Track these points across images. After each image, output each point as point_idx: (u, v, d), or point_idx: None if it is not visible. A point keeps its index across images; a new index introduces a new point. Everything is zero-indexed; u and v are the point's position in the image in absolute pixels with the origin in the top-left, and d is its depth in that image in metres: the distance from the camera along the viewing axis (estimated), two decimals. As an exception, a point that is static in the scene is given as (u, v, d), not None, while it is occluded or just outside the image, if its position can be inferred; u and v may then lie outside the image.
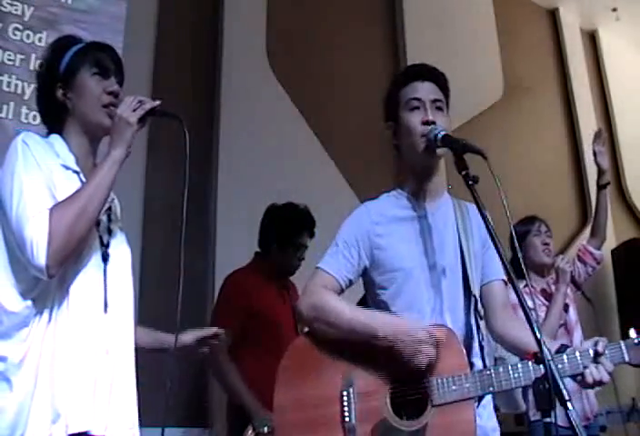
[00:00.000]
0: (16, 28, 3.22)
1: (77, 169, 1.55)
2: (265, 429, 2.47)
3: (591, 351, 1.57)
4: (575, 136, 5.91)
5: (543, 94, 5.86)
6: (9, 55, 3.18)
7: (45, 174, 1.45)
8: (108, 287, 1.51)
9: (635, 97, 6.27)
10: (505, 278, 1.85)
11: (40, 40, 3.27)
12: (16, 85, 3.16)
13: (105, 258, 1.53)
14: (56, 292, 1.44)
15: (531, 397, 2.77)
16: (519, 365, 1.59)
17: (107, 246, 1.55)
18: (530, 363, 1.57)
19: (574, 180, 5.79)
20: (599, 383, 1.56)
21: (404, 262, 1.72)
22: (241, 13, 4.13)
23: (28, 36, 3.24)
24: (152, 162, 3.34)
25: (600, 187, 3.02)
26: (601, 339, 1.58)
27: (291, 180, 3.87)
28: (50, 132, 1.61)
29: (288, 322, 2.65)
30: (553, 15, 6.30)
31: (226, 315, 2.72)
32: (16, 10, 3.24)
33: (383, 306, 1.72)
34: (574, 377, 1.57)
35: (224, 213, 3.66)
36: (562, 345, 1.63)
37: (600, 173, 3.01)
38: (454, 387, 1.56)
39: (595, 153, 3.01)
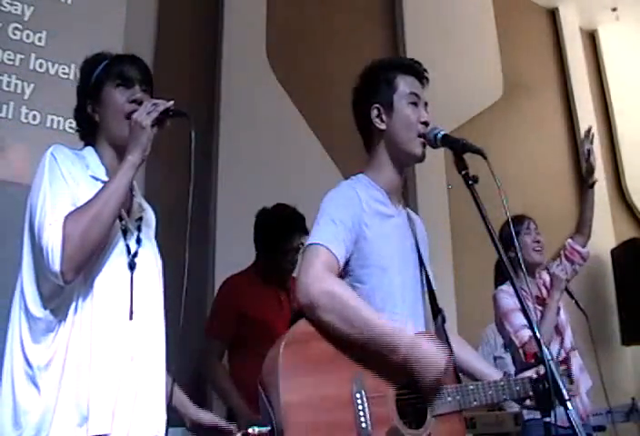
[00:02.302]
0: (16, 28, 3.22)
1: (107, 180, 1.58)
2: (257, 429, 2.44)
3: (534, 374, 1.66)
4: (575, 136, 5.90)
5: (543, 94, 5.86)
6: (9, 55, 3.17)
7: (70, 186, 1.50)
8: (134, 295, 1.52)
9: (635, 97, 6.27)
10: (436, 288, 1.86)
11: (40, 40, 3.27)
12: (16, 85, 3.16)
13: (132, 266, 1.55)
14: (82, 299, 1.46)
15: None
16: (492, 384, 1.67)
17: (135, 255, 1.57)
18: (503, 383, 1.66)
19: (573, 180, 5.79)
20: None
21: (383, 260, 1.68)
22: (241, 13, 4.13)
23: (28, 36, 3.24)
24: (152, 162, 3.33)
25: (590, 185, 3.02)
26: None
27: (291, 180, 3.88)
28: (86, 144, 1.67)
29: (284, 328, 2.62)
30: (553, 15, 6.30)
31: (219, 324, 2.73)
32: (16, 10, 3.24)
33: None
34: (517, 401, 1.71)
35: (224, 213, 3.66)
36: (505, 373, 1.77)
37: (590, 172, 3.01)
38: (449, 398, 1.60)
39: (588, 152, 3.00)
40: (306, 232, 2.78)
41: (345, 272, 1.68)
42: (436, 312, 1.78)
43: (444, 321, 1.76)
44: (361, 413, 1.47)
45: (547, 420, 1.29)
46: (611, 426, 3.38)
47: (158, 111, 1.54)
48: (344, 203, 1.68)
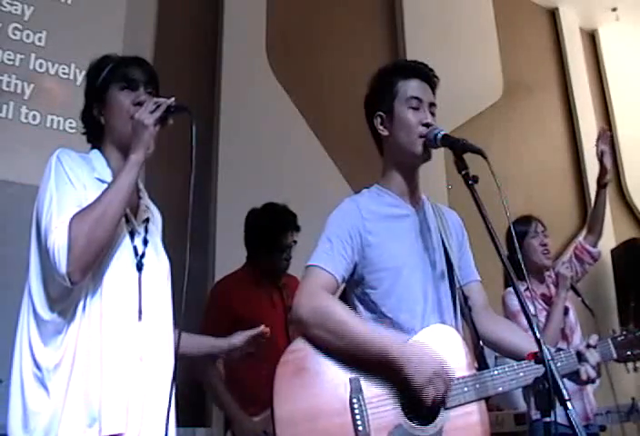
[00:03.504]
0: (16, 28, 3.22)
1: None
2: None
3: (582, 346, 1.65)
4: (575, 136, 5.91)
5: (543, 94, 5.86)
6: (9, 55, 3.18)
7: (77, 189, 1.50)
8: (143, 295, 1.53)
9: (635, 97, 6.28)
10: (480, 279, 1.86)
11: (40, 40, 3.27)
12: (16, 85, 3.17)
13: (140, 267, 1.55)
14: (90, 300, 1.46)
15: (532, 397, 2.77)
16: (523, 364, 1.60)
17: (143, 256, 1.58)
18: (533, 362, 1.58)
19: (574, 180, 5.79)
20: (592, 381, 1.64)
21: (395, 261, 1.68)
22: (241, 13, 4.13)
23: (28, 36, 3.25)
24: (153, 161, 3.34)
25: (602, 186, 3.01)
26: (592, 336, 1.68)
27: (291, 180, 3.88)
28: (93, 147, 1.68)
29: (278, 327, 2.62)
30: (553, 15, 6.31)
31: (211, 328, 2.73)
32: (16, 10, 3.25)
33: (372, 306, 1.68)
34: (568, 376, 1.62)
35: (224, 213, 3.66)
36: (557, 348, 1.68)
37: (604, 172, 2.99)
38: (465, 389, 1.56)
39: (601, 153, 2.99)
40: (298, 229, 2.80)
41: (355, 282, 1.70)
42: (465, 302, 1.76)
43: (470, 310, 1.75)
44: (358, 417, 1.48)
45: (547, 419, 1.29)
46: (611, 426, 3.38)
47: (161, 110, 1.54)
48: (341, 218, 1.71)
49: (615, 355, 1.74)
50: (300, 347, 1.56)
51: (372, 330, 1.55)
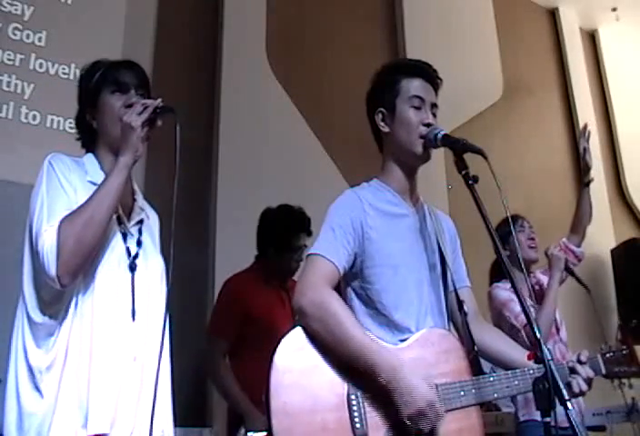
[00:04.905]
0: (16, 28, 3.22)
1: None
2: (259, 434, 2.45)
3: (574, 359, 1.67)
4: (575, 136, 5.91)
5: (543, 94, 5.87)
6: (9, 55, 3.18)
7: (68, 194, 1.51)
8: (136, 296, 1.54)
9: (635, 97, 6.28)
10: (470, 285, 1.87)
11: (40, 40, 3.27)
12: (16, 85, 3.17)
13: (133, 268, 1.56)
14: (82, 301, 1.47)
15: (519, 397, 2.76)
16: (518, 372, 1.61)
17: (136, 257, 1.58)
18: (532, 370, 1.60)
19: (574, 180, 5.79)
20: (583, 393, 1.65)
21: (393, 259, 1.67)
22: (241, 13, 4.13)
23: (28, 36, 3.25)
24: (152, 162, 3.34)
25: (586, 184, 3.01)
26: (583, 351, 1.70)
27: (291, 180, 3.88)
28: (87, 151, 1.69)
29: (286, 326, 2.62)
30: (553, 15, 6.31)
31: (223, 322, 2.74)
32: (16, 10, 3.25)
33: (369, 301, 1.66)
34: None
35: (224, 213, 3.66)
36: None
37: (586, 169, 2.99)
38: (462, 393, 1.56)
39: (583, 150, 2.98)
40: (310, 234, 2.81)
41: (353, 275, 1.69)
42: (460, 307, 1.76)
43: (465, 314, 1.74)
44: (356, 414, 1.47)
45: (547, 420, 1.29)
46: (617, 425, 3.37)
47: (148, 112, 1.55)
48: (344, 208, 1.70)
49: (603, 371, 1.76)
50: (302, 336, 1.54)
51: (368, 342, 1.50)
